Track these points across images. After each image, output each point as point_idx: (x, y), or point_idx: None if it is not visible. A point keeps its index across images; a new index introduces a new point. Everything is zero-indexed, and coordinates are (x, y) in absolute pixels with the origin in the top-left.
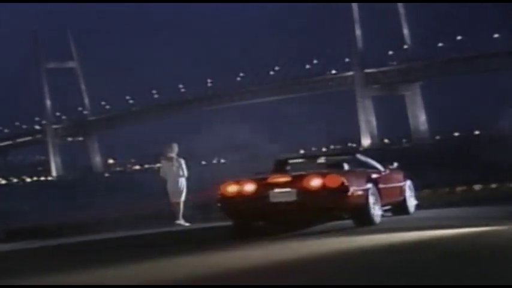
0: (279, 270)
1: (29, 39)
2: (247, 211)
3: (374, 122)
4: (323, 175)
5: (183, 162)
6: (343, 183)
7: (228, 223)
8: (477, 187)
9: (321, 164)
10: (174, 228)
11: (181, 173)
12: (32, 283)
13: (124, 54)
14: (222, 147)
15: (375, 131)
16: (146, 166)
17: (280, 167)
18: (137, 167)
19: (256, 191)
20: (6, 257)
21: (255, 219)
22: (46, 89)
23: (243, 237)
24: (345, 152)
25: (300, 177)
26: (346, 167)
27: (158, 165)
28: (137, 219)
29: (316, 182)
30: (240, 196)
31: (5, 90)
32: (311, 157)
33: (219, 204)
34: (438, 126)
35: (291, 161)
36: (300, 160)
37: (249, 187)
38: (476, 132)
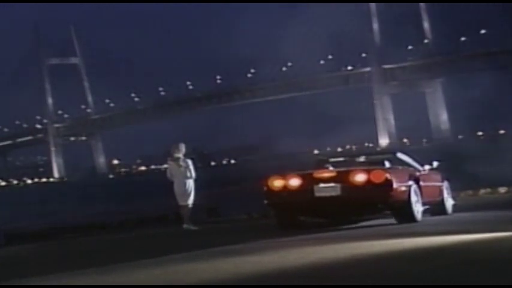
0: (287, 276)
1: (30, 34)
2: (292, 205)
3: (392, 121)
4: (367, 170)
5: (190, 163)
6: (387, 179)
7: (235, 225)
8: (502, 190)
9: (362, 161)
10: (182, 232)
11: (188, 174)
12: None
13: (129, 50)
14: (232, 147)
15: (393, 130)
16: (152, 167)
17: (322, 164)
18: (143, 168)
19: (301, 186)
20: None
21: (300, 213)
22: (48, 86)
23: (285, 230)
24: (385, 151)
25: (345, 173)
26: (387, 164)
27: (165, 166)
28: None
29: (360, 177)
30: (286, 190)
31: (4, 87)
32: (352, 155)
33: (265, 201)
34: (461, 125)
35: (332, 159)
36: (341, 158)
37: (295, 181)
38: (502, 132)
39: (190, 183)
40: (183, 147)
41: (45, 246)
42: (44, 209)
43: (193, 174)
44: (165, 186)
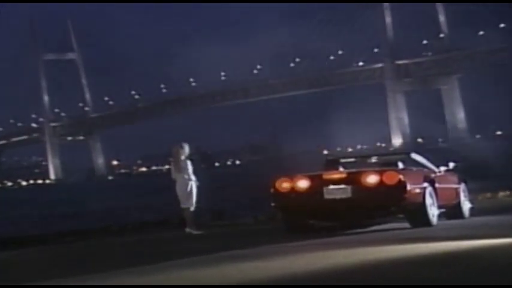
0: (298, 282)
1: (26, 28)
2: (301, 207)
3: (406, 120)
4: (380, 172)
5: (189, 164)
6: (400, 180)
7: (241, 229)
8: None
9: (374, 162)
10: (185, 236)
11: (186, 176)
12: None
13: (129, 46)
14: (237, 147)
15: (407, 130)
16: (154, 168)
17: (332, 165)
18: (143, 169)
19: (310, 188)
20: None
21: (309, 216)
22: (44, 82)
23: (294, 234)
24: (399, 151)
25: (356, 174)
26: (401, 165)
27: (167, 167)
28: None
29: (372, 179)
30: (294, 192)
31: None
32: (363, 156)
33: (272, 203)
34: (478, 124)
35: (342, 160)
36: (352, 159)
37: (303, 183)
38: None
39: (192, 185)
40: (185, 148)
41: (44, 250)
42: (42, 211)
43: (192, 176)
44: (166, 187)
